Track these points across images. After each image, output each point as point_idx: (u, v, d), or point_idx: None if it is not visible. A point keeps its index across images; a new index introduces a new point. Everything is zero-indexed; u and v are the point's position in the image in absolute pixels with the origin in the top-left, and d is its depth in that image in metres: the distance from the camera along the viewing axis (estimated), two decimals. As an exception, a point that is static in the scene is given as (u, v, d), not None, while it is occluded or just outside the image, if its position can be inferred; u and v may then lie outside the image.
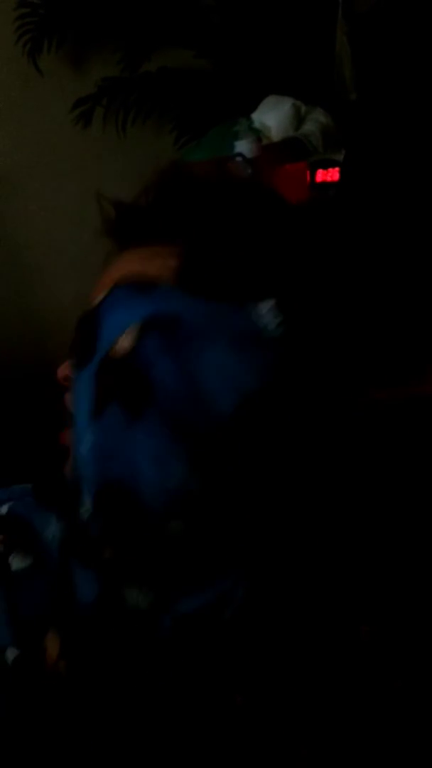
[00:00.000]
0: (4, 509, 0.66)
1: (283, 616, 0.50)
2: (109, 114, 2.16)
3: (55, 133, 2.22)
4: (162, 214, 0.57)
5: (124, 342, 0.47)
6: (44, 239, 2.35)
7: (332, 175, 1.53)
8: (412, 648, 0.51)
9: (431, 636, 0.54)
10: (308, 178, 1.52)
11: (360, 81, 1.85)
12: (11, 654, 0.55)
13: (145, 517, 0.46)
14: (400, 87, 1.80)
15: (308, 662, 0.50)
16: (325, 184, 1.53)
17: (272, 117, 1.62)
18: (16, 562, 0.61)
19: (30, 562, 0.61)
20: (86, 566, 0.48)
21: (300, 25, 1.91)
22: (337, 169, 1.52)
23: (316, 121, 1.65)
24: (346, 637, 0.50)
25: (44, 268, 2.38)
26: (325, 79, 1.85)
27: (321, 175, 1.53)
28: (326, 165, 1.53)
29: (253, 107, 1.69)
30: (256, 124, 1.61)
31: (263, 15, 1.93)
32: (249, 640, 0.49)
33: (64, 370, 0.61)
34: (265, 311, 0.48)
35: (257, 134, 1.50)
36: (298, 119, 1.64)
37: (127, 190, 2.17)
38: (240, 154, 1.44)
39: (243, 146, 1.44)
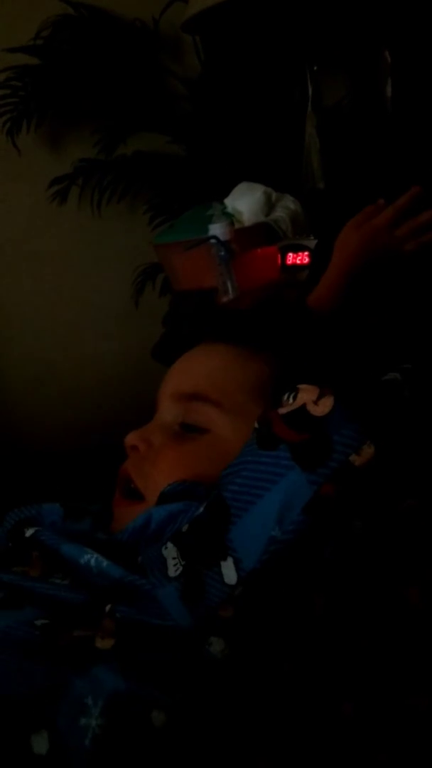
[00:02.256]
0: (29, 532, 0.66)
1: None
2: (84, 193, 2.21)
3: (31, 210, 2.26)
4: (259, 327, 0.70)
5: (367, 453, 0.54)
6: (16, 314, 2.36)
7: (301, 258, 1.58)
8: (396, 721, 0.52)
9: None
10: (279, 261, 1.57)
11: (327, 171, 1.93)
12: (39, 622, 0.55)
13: None
14: (365, 177, 1.89)
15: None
16: (294, 267, 1.57)
17: (244, 203, 1.67)
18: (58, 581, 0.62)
19: (68, 582, 0.61)
20: None
21: (272, 117, 1.99)
22: (306, 252, 1.57)
23: (285, 207, 1.71)
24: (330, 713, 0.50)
25: (16, 342, 2.39)
26: (294, 169, 1.92)
27: (291, 259, 1.58)
28: (296, 249, 1.58)
29: (225, 193, 1.74)
30: (229, 209, 1.66)
31: (237, 106, 2.01)
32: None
33: (134, 439, 0.69)
34: None
35: (230, 218, 1.55)
36: (269, 205, 1.70)
37: (100, 266, 2.23)
38: (214, 237, 1.48)
39: (217, 229, 1.48)
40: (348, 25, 1.95)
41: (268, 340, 0.71)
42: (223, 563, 0.54)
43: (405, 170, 1.80)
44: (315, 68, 1.91)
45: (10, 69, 2.06)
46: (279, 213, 1.69)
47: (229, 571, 0.54)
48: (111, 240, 2.29)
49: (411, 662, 0.49)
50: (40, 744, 0.48)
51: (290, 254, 1.58)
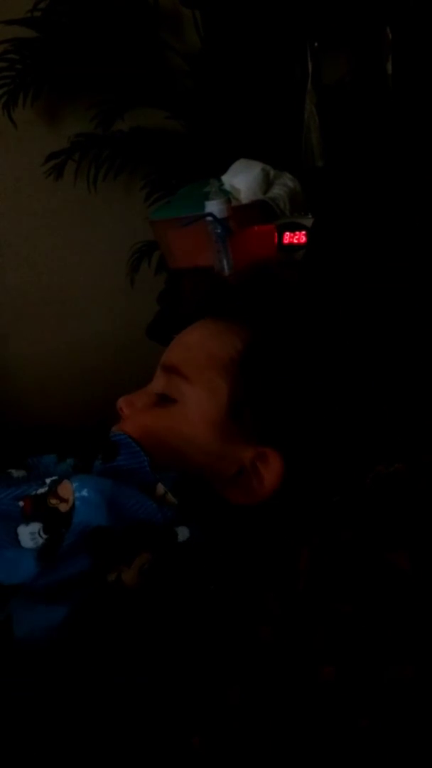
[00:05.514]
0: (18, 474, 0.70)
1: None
2: (80, 169, 2.20)
3: (26, 186, 2.24)
4: (243, 300, 0.70)
5: None
6: (10, 290, 2.34)
7: (298, 237, 1.57)
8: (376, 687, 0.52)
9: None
10: (276, 239, 1.55)
11: (327, 149, 1.91)
12: None
13: None
14: (364, 155, 1.87)
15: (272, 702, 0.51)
16: (291, 246, 1.56)
17: (242, 180, 1.66)
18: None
19: None
20: None
21: (272, 94, 1.97)
22: (303, 232, 1.56)
23: (284, 185, 1.69)
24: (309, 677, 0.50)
25: (10, 319, 2.38)
26: (293, 146, 1.91)
27: (288, 238, 1.57)
28: (293, 228, 1.57)
29: (223, 170, 1.73)
30: (226, 186, 1.65)
31: (236, 82, 1.99)
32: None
33: (121, 401, 0.76)
34: None
35: (227, 195, 1.53)
36: (267, 183, 1.68)
37: (96, 243, 2.21)
38: (211, 214, 1.46)
39: (213, 207, 1.47)
40: (349, 2, 1.93)
41: (248, 313, 0.71)
42: None
43: (405, 148, 1.79)
44: (315, 45, 1.89)
45: (7, 41, 2.03)
46: (277, 191, 1.67)
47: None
48: (107, 217, 2.27)
49: (396, 630, 0.49)
50: None
51: (287, 233, 1.57)
